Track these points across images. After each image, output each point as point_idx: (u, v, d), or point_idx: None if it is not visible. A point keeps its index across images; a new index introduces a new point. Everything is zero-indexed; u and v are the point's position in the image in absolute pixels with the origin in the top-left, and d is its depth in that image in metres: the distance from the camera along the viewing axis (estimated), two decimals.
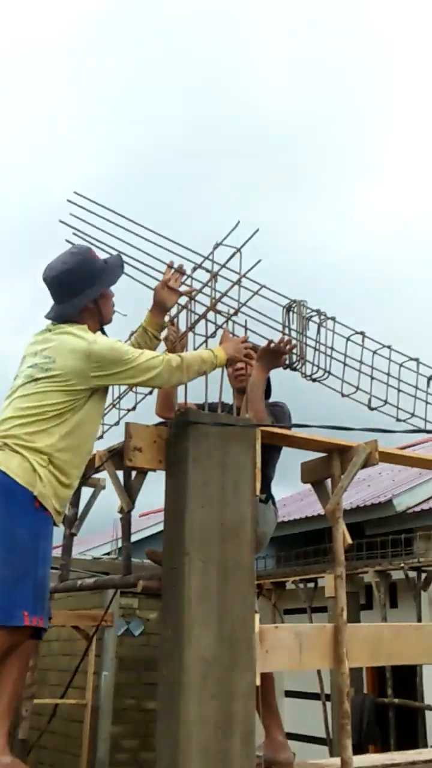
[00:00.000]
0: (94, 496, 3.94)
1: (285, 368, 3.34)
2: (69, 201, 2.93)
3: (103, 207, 2.97)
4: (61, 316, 2.80)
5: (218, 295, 3.09)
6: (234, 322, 3.18)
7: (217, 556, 2.75)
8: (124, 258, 3.02)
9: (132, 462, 2.90)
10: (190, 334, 3.22)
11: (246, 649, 2.71)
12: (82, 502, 3.91)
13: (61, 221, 2.91)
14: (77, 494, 3.95)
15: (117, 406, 3.67)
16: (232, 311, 3.12)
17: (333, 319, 3.43)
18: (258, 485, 2.91)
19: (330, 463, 3.23)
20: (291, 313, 3.40)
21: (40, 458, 2.55)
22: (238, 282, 3.08)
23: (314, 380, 3.35)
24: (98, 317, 2.88)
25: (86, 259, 2.87)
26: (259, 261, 3.01)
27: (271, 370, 3.37)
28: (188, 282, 3.19)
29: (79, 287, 2.80)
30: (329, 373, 3.38)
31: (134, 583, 2.97)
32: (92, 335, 2.75)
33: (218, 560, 2.75)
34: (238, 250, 3.07)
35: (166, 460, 2.94)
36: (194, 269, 3.17)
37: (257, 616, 2.79)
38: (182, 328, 3.24)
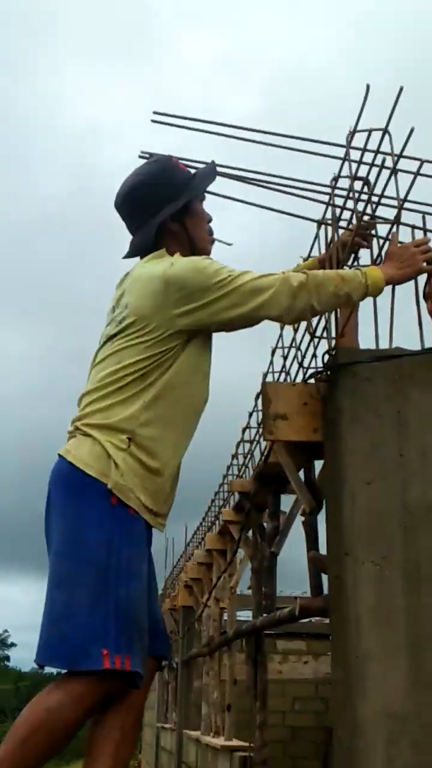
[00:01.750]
0: (297, 505, 3.13)
1: None
2: (153, 121, 2.26)
3: (201, 121, 2.26)
4: (138, 247, 2.12)
5: (369, 207, 2.18)
6: (403, 224, 2.23)
7: (402, 554, 1.83)
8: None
9: (273, 435, 2.10)
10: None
11: None
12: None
13: (142, 155, 2.23)
14: (275, 503, 3.20)
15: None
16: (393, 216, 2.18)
17: None
18: None
19: None
20: None
21: (116, 439, 1.86)
22: (394, 169, 2.14)
23: None
24: (188, 243, 2.12)
25: (167, 167, 2.14)
26: (412, 129, 2.05)
27: None
28: (332, 201, 2.32)
29: (157, 202, 2.08)
30: None
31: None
32: (170, 258, 2.03)
33: (403, 561, 1.82)
34: (385, 131, 2.14)
35: (324, 427, 2.10)
36: (334, 181, 2.29)
37: None
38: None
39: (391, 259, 2.10)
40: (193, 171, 2.17)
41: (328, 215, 2.32)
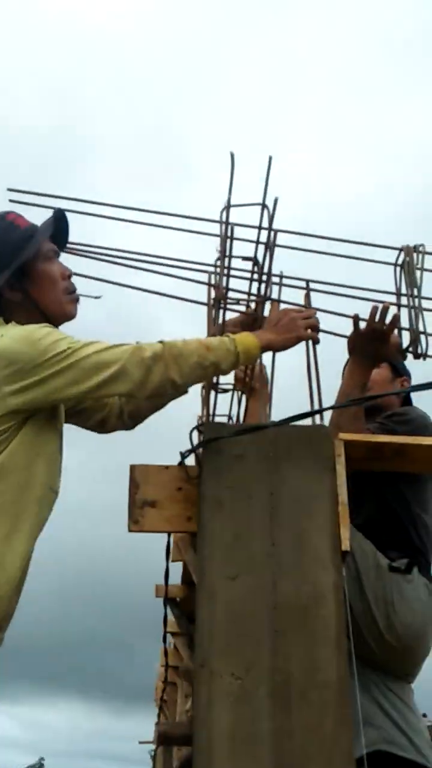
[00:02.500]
0: None
1: (405, 357, 2.07)
2: (11, 201, 2.09)
3: (57, 197, 2.10)
4: None
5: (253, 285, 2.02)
6: (277, 301, 2.05)
7: (269, 664, 1.52)
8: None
9: (139, 525, 1.82)
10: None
11: None
12: None
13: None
14: None
15: None
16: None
17: None
18: (346, 534, 1.65)
19: None
20: (404, 270, 2.15)
21: None
22: (270, 243, 1.98)
23: None
24: (36, 310, 1.86)
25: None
26: (276, 200, 1.91)
27: (374, 365, 2.11)
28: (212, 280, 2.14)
29: None
30: None
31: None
32: (3, 327, 1.82)
33: (271, 672, 1.51)
34: (263, 206, 2.00)
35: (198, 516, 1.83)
36: (220, 261, 2.11)
37: None
38: None
39: (270, 324, 1.91)
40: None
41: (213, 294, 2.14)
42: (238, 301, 2.11)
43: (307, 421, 1.80)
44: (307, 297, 2.05)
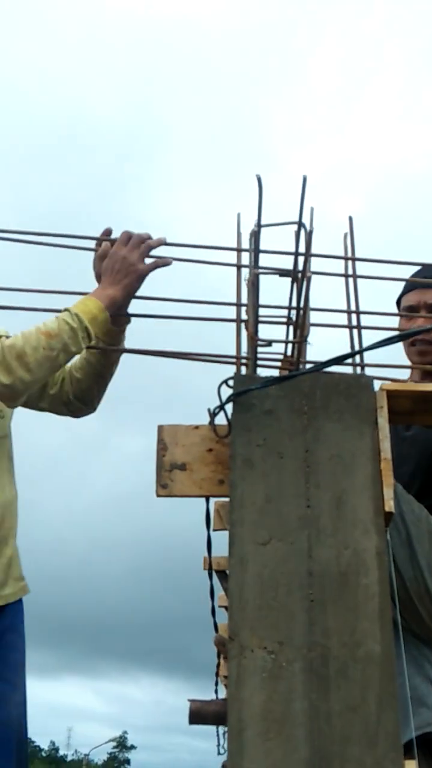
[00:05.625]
0: None
1: None
2: None
3: None
4: None
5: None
6: None
7: (305, 638, 1.38)
8: None
9: (168, 489, 1.70)
10: None
11: None
12: None
13: None
14: None
15: None
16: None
17: None
18: (390, 494, 1.49)
19: None
20: None
21: None
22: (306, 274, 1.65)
23: None
24: None
25: None
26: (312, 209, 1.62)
27: None
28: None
29: None
30: None
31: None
32: None
33: (307, 647, 1.37)
34: (300, 224, 1.65)
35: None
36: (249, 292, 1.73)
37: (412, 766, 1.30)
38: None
39: (105, 274, 1.78)
40: None
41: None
42: (269, 343, 1.82)
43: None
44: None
